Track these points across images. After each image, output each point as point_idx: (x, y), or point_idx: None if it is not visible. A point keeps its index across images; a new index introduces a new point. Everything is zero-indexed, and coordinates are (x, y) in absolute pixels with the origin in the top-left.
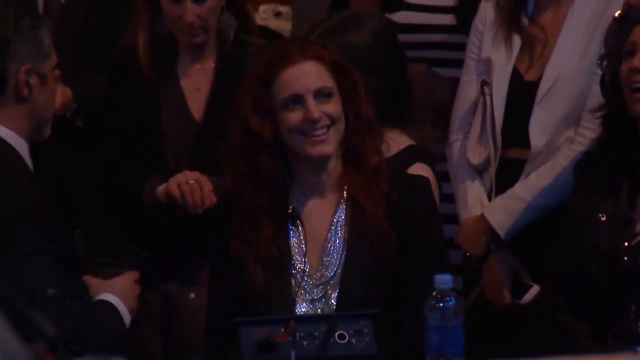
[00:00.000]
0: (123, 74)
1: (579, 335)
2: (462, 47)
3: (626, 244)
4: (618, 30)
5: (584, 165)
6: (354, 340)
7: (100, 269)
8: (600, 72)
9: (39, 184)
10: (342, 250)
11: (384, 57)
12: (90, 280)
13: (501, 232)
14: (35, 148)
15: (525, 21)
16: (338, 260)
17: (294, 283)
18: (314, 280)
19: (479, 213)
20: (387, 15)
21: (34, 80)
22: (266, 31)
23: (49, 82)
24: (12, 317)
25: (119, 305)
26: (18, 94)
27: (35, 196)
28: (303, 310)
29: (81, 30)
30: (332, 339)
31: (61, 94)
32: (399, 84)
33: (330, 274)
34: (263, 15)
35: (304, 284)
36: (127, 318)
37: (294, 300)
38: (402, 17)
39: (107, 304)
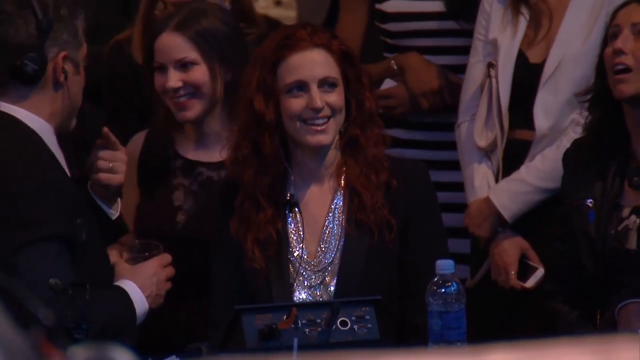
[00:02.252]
0: (117, 67)
1: (570, 321)
2: (453, 33)
3: (614, 229)
4: None
5: (573, 153)
6: (356, 327)
7: (132, 252)
8: None
9: (58, 168)
10: (340, 237)
11: (234, 47)
12: (118, 265)
13: (506, 215)
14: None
15: None
16: (336, 247)
17: (292, 269)
18: (312, 267)
19: (485, 195)
20: (378, 6)
21: (69, 67)
22: (266, 20)
23: (80, 72)
24: (10, 305)
25: (133, 292)
26: (55, 80)
27: (52, 178)
28: (302, 297)
29: (95, 17)
30: (335, 326)
31: None
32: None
33: (327, 260)
34: (263, 4)
35: (302, 270)
36: (141, 305)
37: (292, 286)
38: (392, 6)
39: (119, 291)
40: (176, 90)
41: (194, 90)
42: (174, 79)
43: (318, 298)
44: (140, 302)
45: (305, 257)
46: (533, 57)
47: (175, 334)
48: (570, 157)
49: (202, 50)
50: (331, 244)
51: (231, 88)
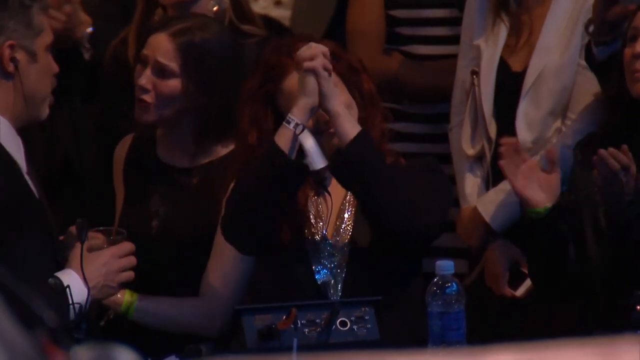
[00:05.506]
0: (116, 68)
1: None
2: (445, 22)
3: (625, 220)
4: None
5: (584, 143)
6: (355, 327)
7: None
8: (583, 64)
9: (16, 170)
10: (354, 218)
11: (220, 71)
12: (72, 251)
13: (493, 225)
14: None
15: (514, 4)
16: (350, 226)
17: (313, 247)
18: (329, 247)
19: (475, 203)
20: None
21: (21, 56)
22: (267, 20)
23: (39, 60)
24: (14, 306)
25: (72, 282)
26: (3, 69)
27: (10, 184)
28: (323, 274)
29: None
30: (334, 326)
31: (79, 18)
32: (230, 99)
33: (343, 240)
34: (263, 4)
35: (321, 250)
36: (80, 296)
37: (311, 265)
38: (400, 11)
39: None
40: (144, 89)
41: (160, 98)
42: (147, 79)
43: (337, 276)
44: (80, 293)
45: (325, 234)
46: (515, 65)
47: (171, 335)
48: (582, 148)
49: (185, 63)
50: (346, 224)
51: (204, 108)
